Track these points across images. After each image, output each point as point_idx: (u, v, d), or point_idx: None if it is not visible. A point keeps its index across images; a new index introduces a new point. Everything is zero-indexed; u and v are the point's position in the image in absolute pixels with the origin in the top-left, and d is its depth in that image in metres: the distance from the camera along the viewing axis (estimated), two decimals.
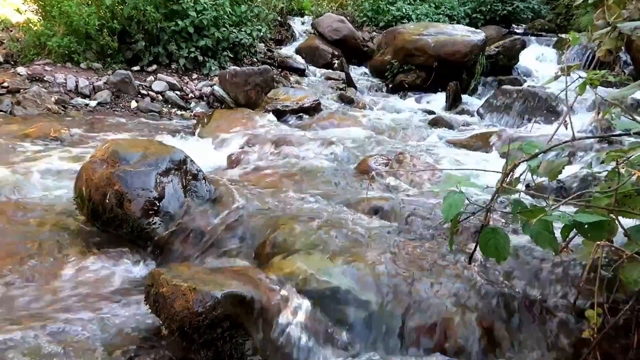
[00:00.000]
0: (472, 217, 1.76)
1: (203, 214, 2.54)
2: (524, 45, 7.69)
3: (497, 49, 7.46)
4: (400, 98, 7.01)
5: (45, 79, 5.53)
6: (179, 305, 1.62)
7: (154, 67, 6.31)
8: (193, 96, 6.05)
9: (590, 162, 3.53)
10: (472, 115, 5.96)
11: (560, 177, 1.68)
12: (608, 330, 1.47)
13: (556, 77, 1.87)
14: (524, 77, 7.50)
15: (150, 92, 5.89)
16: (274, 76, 6.23)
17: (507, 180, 1.61)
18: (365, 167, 3.49)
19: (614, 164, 1.49)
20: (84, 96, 5.55)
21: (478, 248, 1.61)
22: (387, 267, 2.02)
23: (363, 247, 2.18)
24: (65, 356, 1.66)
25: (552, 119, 5.21)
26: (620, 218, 1.44)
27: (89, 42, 6.03)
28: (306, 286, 1.92)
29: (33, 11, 6.33)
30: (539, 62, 8.47)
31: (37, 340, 1.71)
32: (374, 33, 9.49)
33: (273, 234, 2.30)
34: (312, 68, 7.75)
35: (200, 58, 6.44)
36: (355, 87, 7.09)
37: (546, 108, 5.32)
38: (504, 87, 5.99)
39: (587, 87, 1.69)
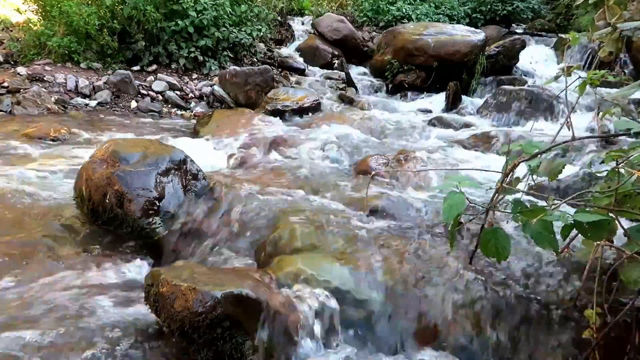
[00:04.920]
0: (474, 219, 1.76)
1: (203, 213, 2.54)
2: (524, 45, 7.69)
3: (497, 49, 7.46)
4: (400, 98, 7.01)
5: (45, 78, 5.53)
6: (179, 305, 1.62)
7: (154, 67, 6.31)
8: (193, 96, 6.05)
9: (590, 162, 3.53)
10: (472, 115, 5.96)
11: (560, 177, 1.68)
12: (608, 330, 1.47)
13: (556, 77, 1.88)
14: (524, 77, 7.50)
15: (150, 92, 5.88)
16: (274, 76, 6.23)
17: (507, 180, 1.61)
18: (365, 167, 3.49)
19: (614, 164, 1.49)
20: (84, 96, 5.55)
21: (478, 248, 1.61)
22: (388, 267, 2.02)
23: (363, 247, 2.18)
24: (65, 356, 1.66)
25: (552, 118, 5.21)
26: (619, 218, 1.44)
27: (89, 42, 6.03)
28: (306, 286, 1.92)
29: (33, 11, 6.32)
30: (539, 62, 8.47)
31: (37, 340, 1.71)
32: (374, 33, 9.49)
33: (273, 234, 2.31)
34: (312, 68, 7.75)
35: (200, 58, 6.44)
36: (355, 87, 7.09)
37: (546, 108, 5.32)
38: (504, 87, 5.99)
39: (587, 87, 1.69)
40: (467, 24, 9.44)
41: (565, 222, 1.37)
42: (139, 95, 5.80)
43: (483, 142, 4.37)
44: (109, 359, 1.68)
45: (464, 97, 6.54)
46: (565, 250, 1.81)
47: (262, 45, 7.65)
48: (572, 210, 1.45)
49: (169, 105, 5.84)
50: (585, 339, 1.49)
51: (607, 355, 1.57)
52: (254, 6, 7.23)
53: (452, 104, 6.31)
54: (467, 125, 5.34)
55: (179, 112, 5.76)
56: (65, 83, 5.59)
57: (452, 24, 9.19)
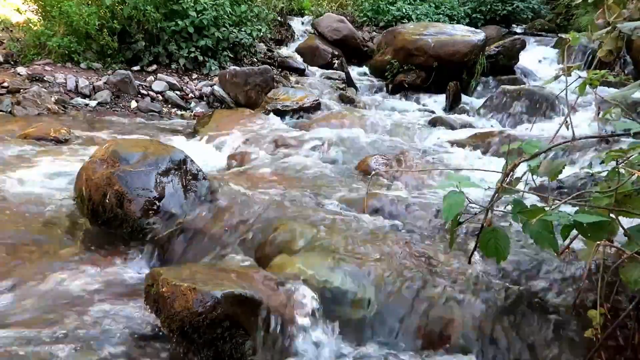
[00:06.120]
0: (472, 218, 1.76)
1: (203, 213, 2.54)
2: (524, 45, 7.69)
3: (497, 49, 7.46)
4: (400, 98, 7.01)
5: (45, 79, 5.52)
6: (179, 305, 1.62)
7: (154, 67, 6.31)
8: (193, 96, 6.05)
9: (590, 162, 3.53)
10: (472, 115, 5.96)
11: (560, 177, 1.68)
12: (611, 330, 1.47)
13: (556, 77, 1.87)
14: (524, 77, 7.50)
15: (150, 92, 5.88)
16: (274, 76, 6.23)
17: (507, 180, 1.60)
18: (365, 167, 3.49)
19: (614, 164, 1.49)
20: (84, 96, 5.55)
21: (478, 248, 1.61)
22: (387, 267, 2.02)
23: (363, 247, 2.18)
24: (65, 356, 1.66)
25: (552, 118, 5.21)
26: (620, 218, 1.44)
27: (89, 42, 6.03)
28: (306, 286, 1.92)
29: (33, 11, 6.32)
30: (539, 62, 8.48)
31: (37, 341, 1.71)
32: (374, 33, 9.49)
33: (273, 234, 2.30)
34: (312, 68, 7.74)
35: (200, 58, 6.44)
36: (355, 87, 7.09)
37: (546, 108, 5.32)
38: (504, 87, 5.99)
39: (587, 87, 1.69)
40: (467, 24, 9.44)
41: (565, 222, 1.37)
42: (139, 95, 5.80)
43: (483, 142, 4.37)
44: (108, 359, 1.68)
45: (464, 97, 6.54)
46: (567, 249, 1.81)
47: (262, 45, 7.65)
48: (572, 210, 1.45)
49: (169, 106, 5.83)
50: (586, 339, 1.49)
51: (608, 355, 1.57)
52: (254, 6, 7.23)
53: (452, 104, 6.31)
54: (467, 125, 5.34)
55: (179, 112, 5.76)
56: (65, 83, 5.59)
57: (452, 24, 9.19)
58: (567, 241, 1.71)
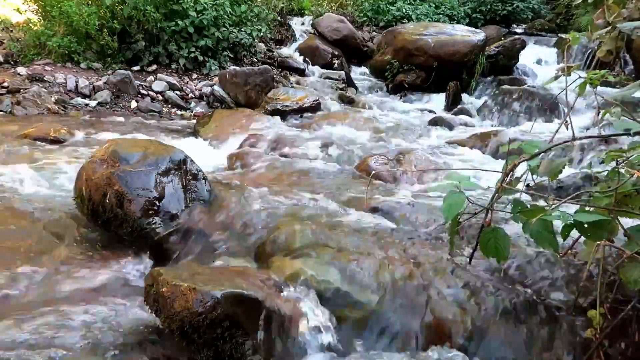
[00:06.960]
0: (472, 217, 1.76)
1: (203, 213, 2.54)
2: (524, 45, 7.69)
3: (497, 49, 7.46)
4: (400, 98, 7.02)
5: (45, 79, 5.53)
6: (179, 305, 1.62)
7: (154, 67, 6.31)
8: (193, 96, 6.05)
9: (590, 162, 3.54)
10: (472, 115, 5.96)
11: (560, 177, 1.68)
12: (610, 329, 1.47)
13: (556, 77, 1.87)
14: (524, 77, 7.50)
15: (150, 92, 5.88)
16: (274, 76, 6.23)
17: (507, 180, 1.60)
18: (365, 167, 3.49)
19: (614, 164, 1.49)
20: (84, 96, 5.55)
21: (478, 248, 1.61)
22: (388, 268, 2.02)
23: (363, 247, 2.18)
24: (65, 356, 1.66)
25: (552, 118, 5.21)
26: (620, 218, 1.44)
27: (89, 42, 6.04)
28: (306, 286, 1.92)
29: (33, 11, 6.33)
30: (538, 62, 8.48)
31: (37, 341, 1.71)
32: (374, 33, 9.50)
33: (273, 234, 2.30)
34: (312, 68, 7.75)
35: (200, 58, 6.45)
36: (355, 87, 7.09)
37: (546, 108, 5.32)
38: (504, 87, 6.00)
39: (587, 87, 1.69)
40: (467, 24, 9.45)
41: (565, 222, 1.37)
42: (139, 96, 5.80)
43: (483, 142, 4.37)
44: (109, 359, 1.68)
45: (464, 97, 6.55)
46: (569, 251, 1.81)
47: (262, 45, 7.65)
48: (572, 210, 1.45)
49: (169, 106, 5.84)
50: (586, 339, 1.49)
51: (608, 355, 1.57)
52: (254, 6, 7.23)
53: (452, 104, 6.32)
54: (467, 125, 5.35)
55: (179, 112, 5.76)
56: (65, 83, 5.59)
57: (452, 24, 9.20)
58: (570, 242, 1.71)
